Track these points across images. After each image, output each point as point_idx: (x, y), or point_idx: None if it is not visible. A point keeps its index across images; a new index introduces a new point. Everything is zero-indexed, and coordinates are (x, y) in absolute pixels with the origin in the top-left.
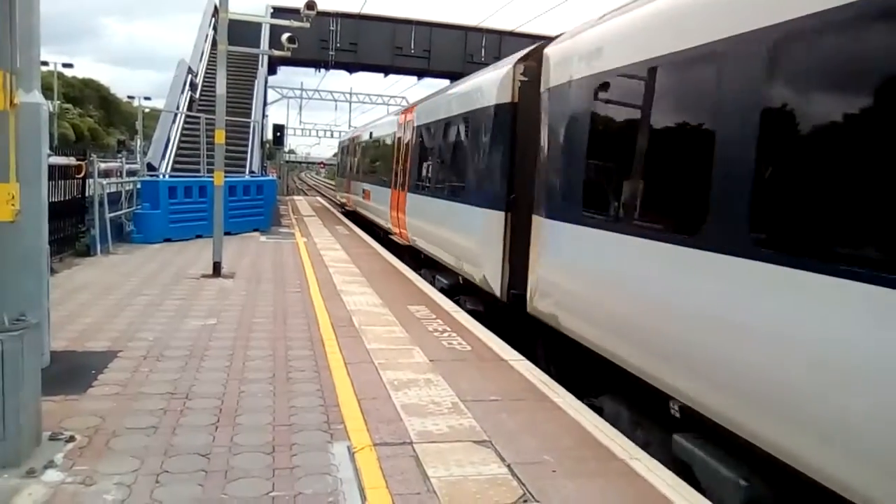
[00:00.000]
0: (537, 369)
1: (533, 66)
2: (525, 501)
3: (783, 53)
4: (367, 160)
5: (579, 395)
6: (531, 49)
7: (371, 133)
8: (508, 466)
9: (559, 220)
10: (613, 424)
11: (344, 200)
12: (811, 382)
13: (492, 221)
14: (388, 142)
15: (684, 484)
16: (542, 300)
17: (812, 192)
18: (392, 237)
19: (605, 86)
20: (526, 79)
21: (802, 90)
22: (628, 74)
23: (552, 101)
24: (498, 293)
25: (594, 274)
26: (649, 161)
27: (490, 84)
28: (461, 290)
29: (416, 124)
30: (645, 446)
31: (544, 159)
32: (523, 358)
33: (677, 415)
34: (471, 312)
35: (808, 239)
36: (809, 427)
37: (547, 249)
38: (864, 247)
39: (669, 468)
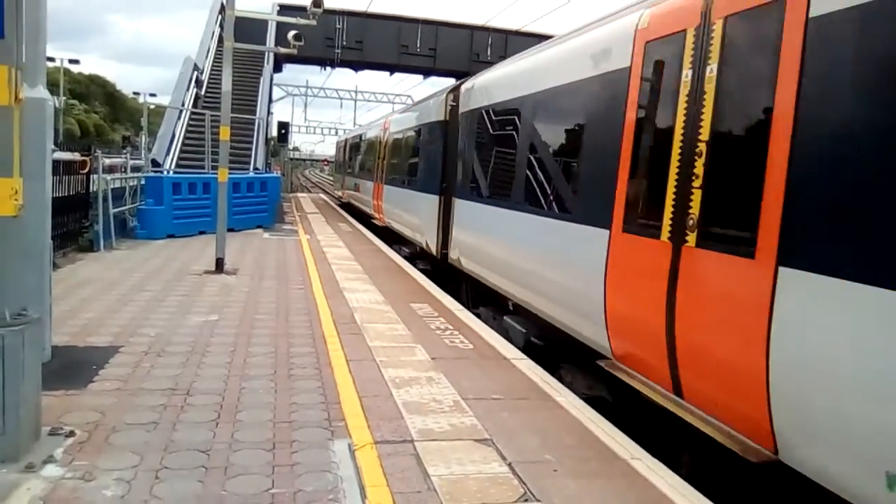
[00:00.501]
0: (539, 368)
1: (457, 95)
2: (526, 500)
3: (548, 105)
4: (356, 159)
5: (474, 307)
6: (457, 84)
7: (360, 137)
8: (509, 465)
9: (461, 198)
10: (487, 322)
11: (339, 194)
12: (561, 277)
13: (431, 203)
14: (372, 144)
15: (685, 484)
16: (454, 252)
17: (551, 181)
18: (374, 221)
19: (486, 112)
20: (454, 104)
21: (550, 124)
22: (498, 108)
23: (462, 121)
24: (435, 253)
25: (477, 230)
26: (508, 162)
27: (432, 106)
28: (418, 256)
29: (390, 131)
30: (492, 323)
31: (457, 158)
32: (525, 357)
33: (511, 308)
34: (423, 271)
35: (558, 206)
36: (561, 302)
37: (456, 218)
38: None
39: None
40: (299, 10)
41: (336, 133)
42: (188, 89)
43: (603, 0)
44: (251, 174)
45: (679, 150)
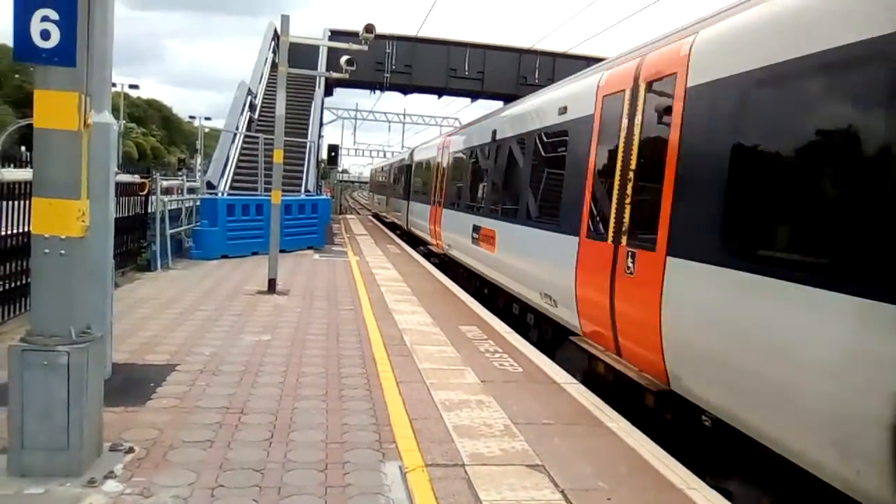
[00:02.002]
0: (591, 393)
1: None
2: None
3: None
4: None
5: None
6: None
7: (394, 164)
8: (562, 492)
9: (445, 208)
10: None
11: (384, 215)
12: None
13: (432, 211)
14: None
15: None
16: (446, 245)
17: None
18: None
19: (462, 153)
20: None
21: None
22: (461, 153)
23: (451, 157)
24: (435, 248)
25: (454, 229)
26: (464, 182)
27: (433, 143)
28: (434, 255)
29: (417, 159)
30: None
31: (446, 182)
32: (576, 381)
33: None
34: (434, 264)
35: (490, 209)
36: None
37: (444, 223)
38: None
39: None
40: (351, 35)
41: (384, 155)
42: (242, 113)
43: (646, 22)
44: (302, 196)
45: (619, 177)
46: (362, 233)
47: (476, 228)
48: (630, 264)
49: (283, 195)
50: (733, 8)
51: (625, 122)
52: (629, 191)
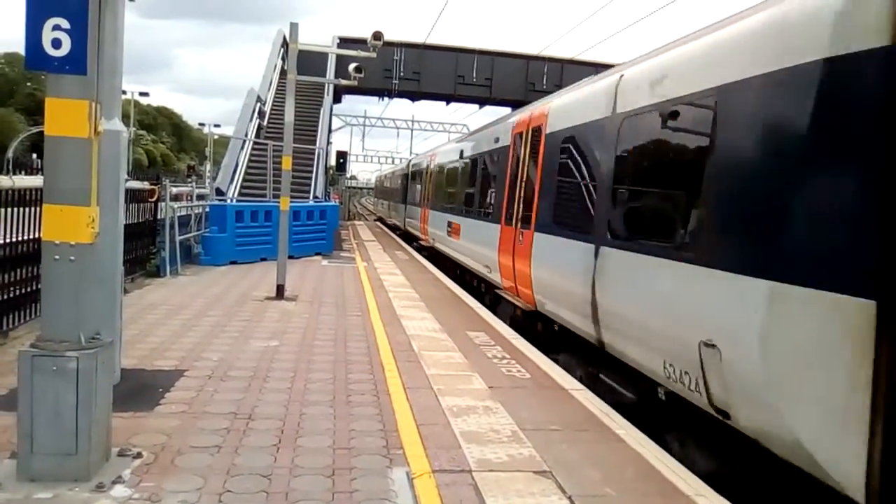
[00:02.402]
0: (598, 399)
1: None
2: None
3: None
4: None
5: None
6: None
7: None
8: (569, 498)
9: (430, 209)
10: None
11: (386, 218)
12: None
13: (422, 212)
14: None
15: None
16: (431, 238)
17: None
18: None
19: (442, 166)
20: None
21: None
22: (442, 165)
23: (435, 169)
24: (424, 242)
25: (436, 225)
26: (442, 189)
27: (424, 157)
28: (424, 248)
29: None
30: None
31: (431, 188)
32: (584, 387)
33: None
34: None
35: (457, 209)
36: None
37: (430, 221)
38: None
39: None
40: (359, 43)
41: (393, 162)
42: (251, 120)
43: (655, 27)
44: (311, 203)
45: (518, 186)
46: (370, 239)
47: (449, 224)
48: (521, 238)
49: (291, 201)
50: (570, 88)
51: (521, 151)
52: (520, 194)
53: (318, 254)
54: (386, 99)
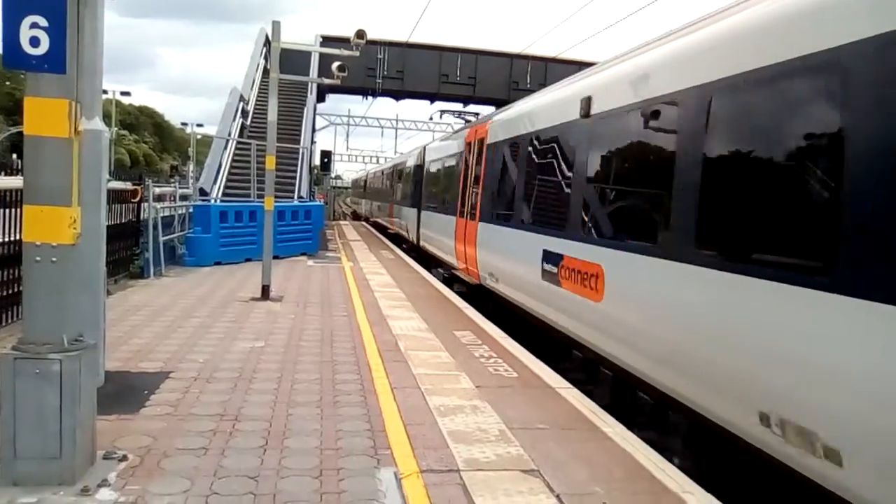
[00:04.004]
0: (586, 398)
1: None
2: None
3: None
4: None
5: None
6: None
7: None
8: (557, 497)
9: (424, 209)
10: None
11: (358, 212)
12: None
13: (413, 212)
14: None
15: None
16: (422, 238)
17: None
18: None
19: (410, 169)
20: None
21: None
22: (409, 168)
23: (427, 168)
24: (413, 240)
25: (404, 217)
26: (411, 187)
27: (415, 154)
28: (405, 241)
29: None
30: (399, 243)
31: (400, 187)
32: (571, 386)
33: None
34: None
35: (411, 202)
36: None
37: (422, 220)
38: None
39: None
40: (342, 41)
41: (377, 161)
42: (234, 120)
43: (638, 26)
44: (295, 202)
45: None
46: (356, 238)
47: (418, 215)
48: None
49: (276, 201)
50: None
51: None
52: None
53: (303, 254)
54: (370, 98)
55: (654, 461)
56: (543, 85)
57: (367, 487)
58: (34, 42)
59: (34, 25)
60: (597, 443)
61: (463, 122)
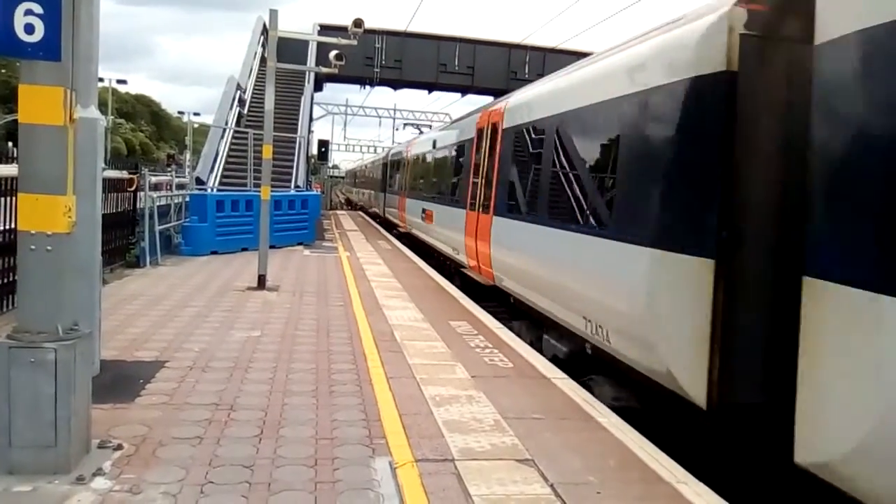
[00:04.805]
0: (581, 388)
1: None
2: None
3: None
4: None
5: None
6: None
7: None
8: (552, 486)
9: (410, 198)
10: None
11: (352, 199)
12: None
13: (376, 194)
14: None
15: None
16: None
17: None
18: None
19: (395, 160)
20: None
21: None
22: (394, 159)
23: (388, 163)
24: (380, 213)
25: (391, 204)
26: (401, 175)
27: (374, 158)
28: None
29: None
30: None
31: (387, 176)
32: (567, 376)
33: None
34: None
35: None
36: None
37: (385, 200)
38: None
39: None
40: (340, 30)
41: (375, 151)
42: (231, 108)
43: (638, 17)
44: (292, 192)
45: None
46: (353, 228)
47: (408, 203)
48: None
49: (272, 191)
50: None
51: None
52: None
53: (300, 244)
54: (367, 87)
55: (647, 451)
56: (542, 75)
57: (363, 476)
58: (29, 29)
59: (29, 12)
60: (591, 432)
61: (418, 132)
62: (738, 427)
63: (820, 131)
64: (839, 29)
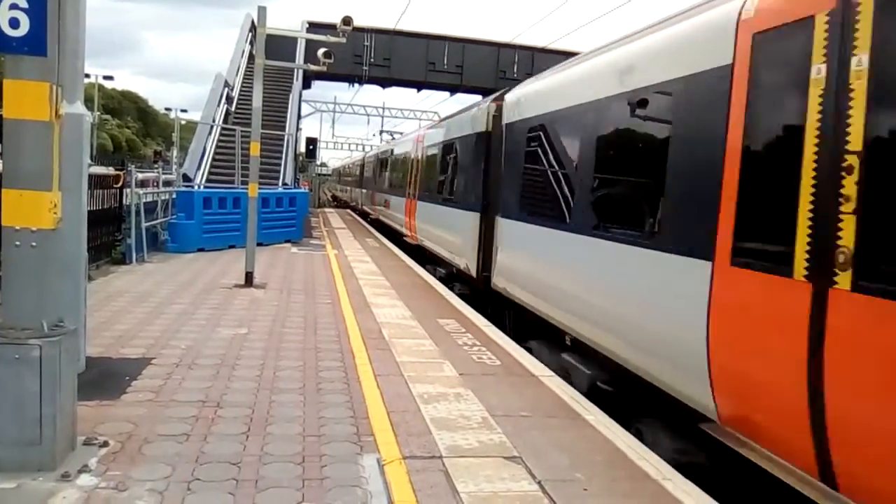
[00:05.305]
0: (568, 386)
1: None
2: None
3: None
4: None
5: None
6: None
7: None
8: (539, 483)
9: (363, 188)
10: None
11: (338, 195)
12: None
13: (360, 191)
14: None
15: None
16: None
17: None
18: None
19: (379, 159)
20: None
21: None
22: (377, 159)
23: (375, 162)
24: (367, 211)
25: (377, 201)
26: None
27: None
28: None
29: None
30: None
31: (373, 175)
32: (554, 374)
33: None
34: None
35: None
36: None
37: (365, 197)
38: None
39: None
40: (328, 28)
41: (363, 149)
42: (219, 105)
43: (627, 18)
44: (280, 189)
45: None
46: (341, 226)
47: (385, 200)
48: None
49: (260, 188)
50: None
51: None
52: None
53: (287, 241)
54: (356, 85)
55: (634, 448)
56: (531, 74)
57: (350, 474)
58: (14, 23)
59: (14, 6)
60: (578, 430)
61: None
62: (484, 282)
63: (497, 167)
64: (507, 119)
